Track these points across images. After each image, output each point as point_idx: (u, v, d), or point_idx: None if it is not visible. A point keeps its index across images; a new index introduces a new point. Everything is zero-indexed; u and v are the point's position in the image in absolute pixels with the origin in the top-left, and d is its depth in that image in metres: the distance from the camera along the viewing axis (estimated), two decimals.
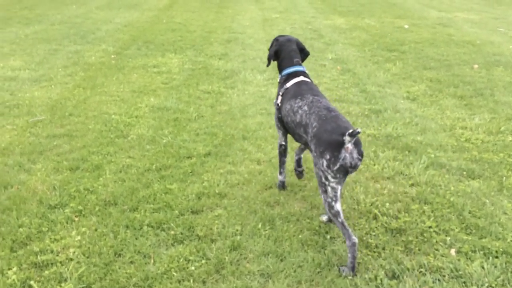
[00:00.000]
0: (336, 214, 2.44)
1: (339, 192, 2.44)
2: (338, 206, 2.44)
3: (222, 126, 4.40)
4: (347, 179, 3.38)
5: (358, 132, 2.29)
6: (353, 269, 2.44)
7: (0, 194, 3.18)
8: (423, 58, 6.82)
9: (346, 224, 2.45)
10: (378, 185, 3.33)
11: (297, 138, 2.91)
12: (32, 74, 6.02)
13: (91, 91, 5.42)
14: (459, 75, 5.97)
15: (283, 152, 3.16)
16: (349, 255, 2.43)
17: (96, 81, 5.80)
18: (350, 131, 2.30)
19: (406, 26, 9.14)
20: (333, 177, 2.40)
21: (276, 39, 3.17)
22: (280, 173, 3.23)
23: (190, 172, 3.52)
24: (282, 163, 3.20)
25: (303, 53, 3.14)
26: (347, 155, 2.37)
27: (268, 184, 3.33)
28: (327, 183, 2.42)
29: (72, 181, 3.35)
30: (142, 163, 3.65)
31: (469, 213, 2.96)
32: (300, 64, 3.06)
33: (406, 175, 3.46)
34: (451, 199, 3.11)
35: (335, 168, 2.38)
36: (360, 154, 2.41)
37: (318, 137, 2.49)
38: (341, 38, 8.29)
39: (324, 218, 2.90)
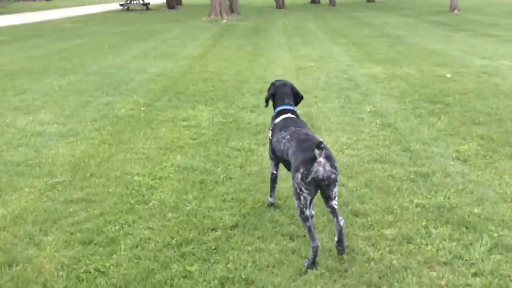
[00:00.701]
0: (305, 219, 2.85)
1: (309, 202, 2.82)
2: (307, 212, 2.84)
3: (251, 191, 4.01)
4: (396, 264, 2.89)
5: (321, 142, 2.64)
6: (313, 263, 2.86)
7: (3, 274, 2.87)
8: (471, 111, 6.31)
9: (312, 229, 2.86)
10: (433, 273, 2.81)
11: (287, 165, 3.22)
12: (60, 129, 5.89)
13: (117, 147, 5.19)
14: None
15: (274, 179, 3.62)
16: (311, 253, 2.86)
17: (123, 136, 5.59)
18: (316, 144, 2.64)
19: (448, 75, 8.67)
20: (305, 189, 2.74)
21: (272, 83, 3.62)
22: (271, 196, 3.68)
23: (214, 249, 3.13)
24: (272, 188, 3.66)
25: (298, 97, 3.58)
26: (320, 168, 2.69)
27: (303, 268, 2.88)
28: (301, 193, 2.79)
29: (82, 258, 3.01)
30: (162, 237, 3.28)
31: None
32: (290, 104, 3.48)
33: (466, 260, 2.93)
34: None
35: (307, 180, 2.71)
36: (333, 167, 2.73)
37: (295, 155, 2.89)
38: (379, 88, 7.90)
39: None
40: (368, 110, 6.53)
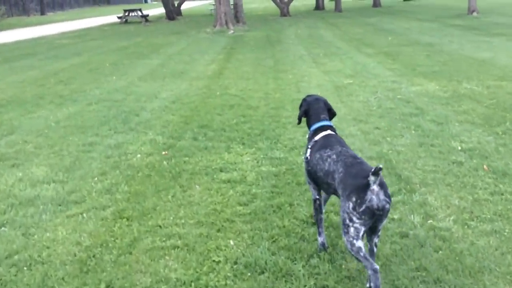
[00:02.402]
0: (358, 250, 2.50)
1: (361, 233, 2.50)
2: (359, 243, 2.49)
3: None
4: None
5: (380, 168, 2.36)
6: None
7: None
8: None
9: (368, 256, 2.52)
10: None
11: (326, 187, 2.95)
12: (58, 191, 4.36)
13: (139, 225, 3.67)
14: None
15: (318, 207, 3.16)
16: (372, 284, 2.47)
17: (144, 202, 4.07)
18: (372, 169, 2.39)
19: None
20: (358, 219, 2.48)
21: (304, 99, 3.39)
22: (319, 233, 3.18)
23: None
24: (320, 221, 3.17)
25: (330, 113, 3.32)
26: (374, 197, 2.45)
27: None
28: (350, 224, 2.51)
29: None
30: None
31: None
32: (326, 119, 3.22)
33: None
34: None
35: (361, 209, 2.47)
36: (387, 196, 2.49)
37: (344, 182, 2.64)
38: (449, 113, 6.40)
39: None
40: (459, 148, 5.02)
